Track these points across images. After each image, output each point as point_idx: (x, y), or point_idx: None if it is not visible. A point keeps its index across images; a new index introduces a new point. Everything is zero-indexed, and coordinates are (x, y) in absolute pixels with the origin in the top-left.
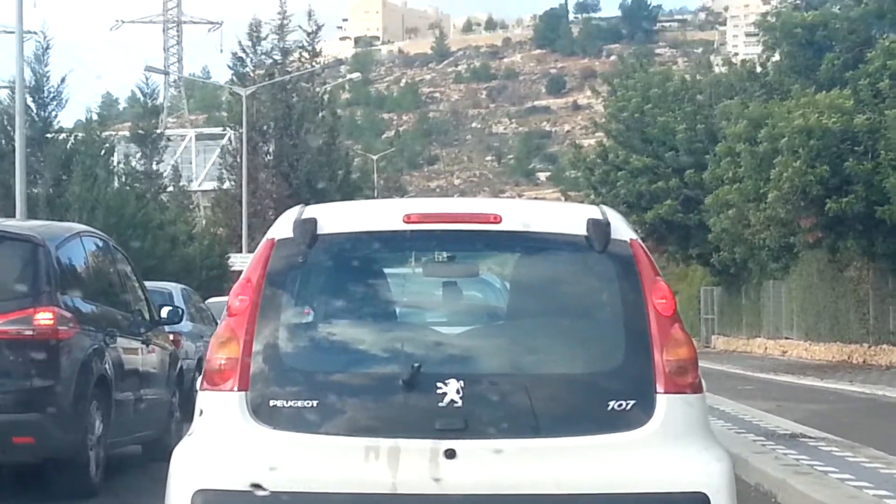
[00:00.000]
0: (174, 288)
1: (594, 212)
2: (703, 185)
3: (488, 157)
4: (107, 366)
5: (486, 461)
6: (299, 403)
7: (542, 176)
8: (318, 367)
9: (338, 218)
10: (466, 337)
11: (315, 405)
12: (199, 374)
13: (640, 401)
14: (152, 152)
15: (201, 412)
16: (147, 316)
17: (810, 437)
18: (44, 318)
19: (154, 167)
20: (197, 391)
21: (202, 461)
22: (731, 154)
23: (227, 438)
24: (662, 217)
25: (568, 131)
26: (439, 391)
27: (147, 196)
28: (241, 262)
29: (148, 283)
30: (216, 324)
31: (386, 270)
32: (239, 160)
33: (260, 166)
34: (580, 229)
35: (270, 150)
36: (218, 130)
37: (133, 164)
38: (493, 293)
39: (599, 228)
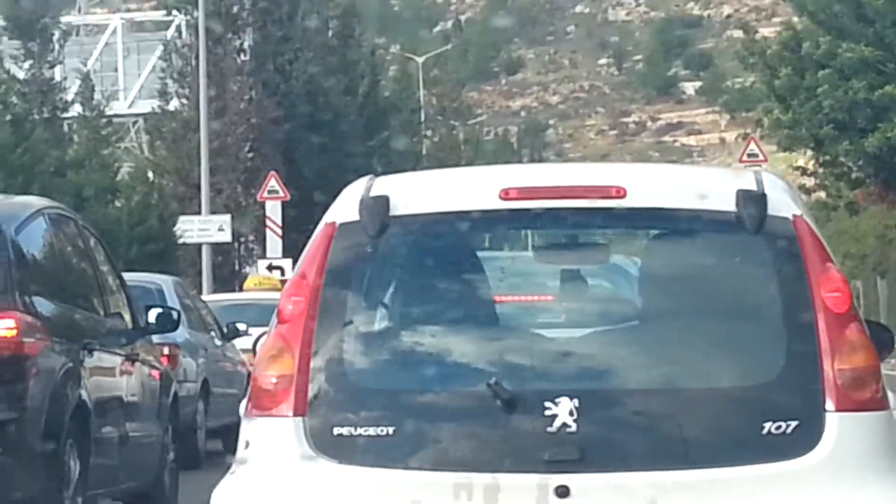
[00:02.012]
0: (164, 282)
1: (746, 180)
2: None
3: (602, 61)
4: (84, 391)
5: (608, 500)
6: (371, 431)
7: (689, 87)
8: (394, 386)
9: (416, 194)
10: (582, 343)
11: (391, 433)
12: (202, 402)
13: (804, 421)
14: (43, 50)
15: (247, 444)
16: (130, 321)
17: None
18: (3, 326)
19: (47, 74)
20: (240, 417)
21: None
22: None
23: (280, 476)
24: (893, 143)
25: (729, 15)
26: (548, 413)
27: (33, 120)
28: (199, 230)
29: (127, 276)
30: (222, 332)
31: (476, 260)
32: (194, 63)
33: (229, 73)
34: (728, 204)
35: (246, 45)
36: (159, 15)
37: (9, 67)
38: (619, 287)
39: (753, 202)
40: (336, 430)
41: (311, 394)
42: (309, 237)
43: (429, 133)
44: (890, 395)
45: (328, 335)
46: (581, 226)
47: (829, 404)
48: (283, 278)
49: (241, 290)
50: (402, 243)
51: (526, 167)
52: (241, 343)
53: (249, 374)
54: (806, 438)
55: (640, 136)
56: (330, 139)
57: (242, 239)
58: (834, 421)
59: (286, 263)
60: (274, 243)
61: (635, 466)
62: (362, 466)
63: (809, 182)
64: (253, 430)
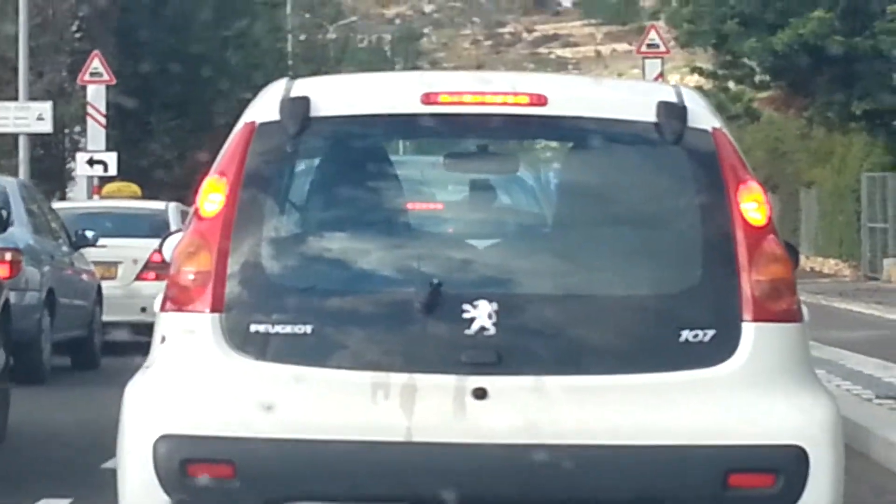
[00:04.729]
0: (9, 184)
1: (666, 92)
2: None
3: None
4: None
5: (524, 403)
6: (288, 329)
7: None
8: (313, 286)
9: (337, 96)
10: (502, 249)
11: (308, 332)
12: (47, 313)
13: (721, 330)
14: None
15: (163, 339)
16: None
17: None
18: None
19: None
20: (156, 313)
21: (165, 400)
22: None
23: (196, 371)
24: (805, 41)
25: None
26: (466, 315)
27: None
28: (16, 119)
29: None
30: (70, 240)
31: (398, 165)
32: None
33: None
34: (648, 114)
35: None
36: None
37: None
38: (535, 194)
39: (673, 113)
40: (253, 327)
41: (228, 291)
42: (144, 130)
43: (293, 32)
44: (804, 308)
45: (246, 233)
46: (501, 132)
47: (746, 314)
48: (105, 175)
49: (98, 195)
50: (322, 144)
51: (448, 73)
52: (93, 254)
53: (99, 286)
54: (722, 347)
55: (516, 48)
56: (174, 19)
57: (67, 130)
58: (750, 330)
59: (110, 158)
60: (96, 134)
61: (552, 370)
62: (278, 363)
63: (708, 85)
64: (168, 326)
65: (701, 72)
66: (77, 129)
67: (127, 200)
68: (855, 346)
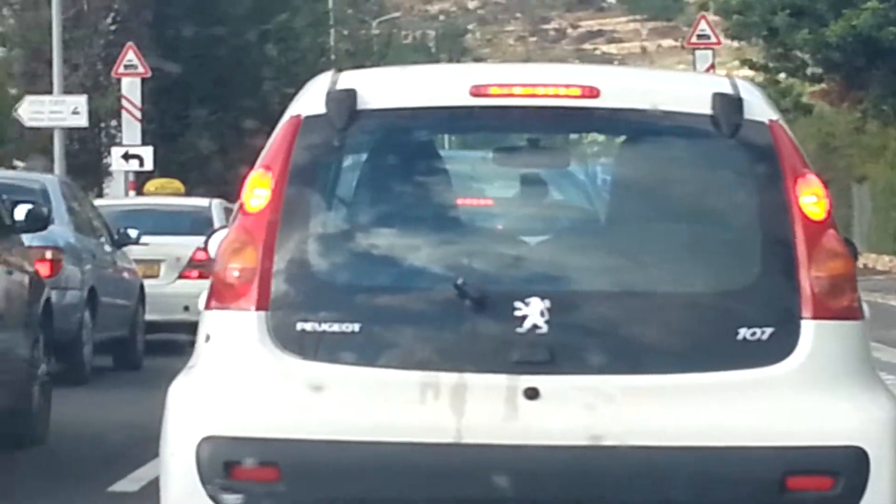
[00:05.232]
0: (50, 182)
1: (721, 84)
2: None
3: None
4: None
5: (578, 404)
6: (336, 328)
7: None
8: (361, 283)
9: (384, 89)
10: (554, 245)
11: (356, 330)
12: (88, 313)
13: (779, 328)
14: None
15: (207, 337)
16: None
17: None
18: None
19: None
20: (201, 311)
21: (210, 400)
22: None
23: (241, 371)
24: (859, 32)
25: None
26: (518, 313)
27: None
28: (51, 113)
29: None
30: (112, 238)
31: (447, 159)
32: None
33: None
34: (703, 106)
35: None
36: None
37: None
38: (587, 189)
39: (728, 105)
40: (299, 326)
41: (274, 288)
42: (182, 124)
43: (336, 27)
44: (865, 306)
45: (292, 229)
46: (553, 125)
47: (805, 312)
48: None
49: (140, 193)
50: (369, 138)
51: (497, 65)
52: (135, 252)
53: (142, 285)
54: (781, 346)
55: (560, 44)
56: (213, 11)
57: (103, 124)
58: (809, 329)
59: (146, 152)
60: (131, 128)
61: (606, 370)
62: (326, 363)
63: (759, 78)
64: (213, 324)
65: (752, 64)
66: (113, 123)
67: (169, 197)
68: None
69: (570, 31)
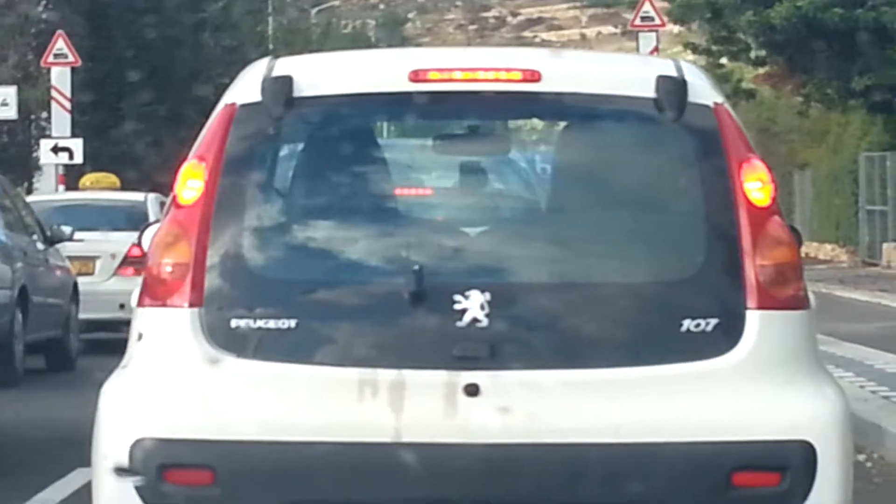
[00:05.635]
0: None
1: (665, 66)
2: None
3: None
4: None
5: (520, 400)
6: (271, 324)
7: None
8: (297, 277)
9: (321, 75)
10: (494, 236)
11: (292, 326)
12: (20, 312)
13: (724, 319)
14: None
15: (140, 336)
16: None
17: None
18: None
19: None
20: (133, 308)
21: (142, 401)
22: None
23: (174, 370)
24: (804, 14)
25: None
26: (458, 306)
27: None
28: None
29: None
30: (44, 235)
31: (385, 148)
32: None
33: None
34: (647, 90)
35: None
36: None
37: None
38: (528, 177)
39: (673, 88)
40: (234, 323)
41: (208, 283)
42: (115, 116)
43: (274, 15)
44: (811, 295)
45: (227, 222)
46: (494, 110)
47: (750, 302)
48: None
49: (70, 187)
50: (306, 126)
51: (436, 49)
52: (69, 249)
53: (75, 283)
54: (725, 337)
55: (500, 32)
56: (150, 1)
57: (33, 116)
58: (755, 319)
59: (76, 144)
60: (61, 119)
61: (548, 364)
62: (262, 361)
63: (701, 62)
64: (146, 322)
65: (694, 48)
66: (44, 115)
67: (103, 192)
68: (868, 339)
69: (510, 18)
